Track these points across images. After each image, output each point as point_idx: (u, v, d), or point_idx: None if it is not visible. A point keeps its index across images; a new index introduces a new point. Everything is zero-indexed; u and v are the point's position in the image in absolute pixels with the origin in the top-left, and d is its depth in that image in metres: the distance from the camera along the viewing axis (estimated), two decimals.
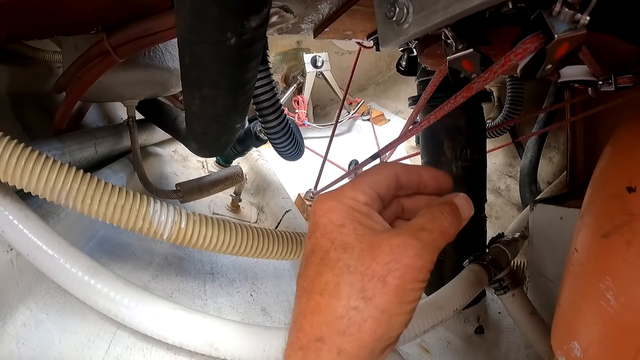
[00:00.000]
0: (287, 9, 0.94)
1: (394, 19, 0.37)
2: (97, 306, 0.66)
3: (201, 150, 1.02)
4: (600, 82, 0.68)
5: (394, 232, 0.34)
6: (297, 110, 2.79)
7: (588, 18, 0.34)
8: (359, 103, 2.98)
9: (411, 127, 0.54)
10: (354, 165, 1.70)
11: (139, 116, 1.39)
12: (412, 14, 0.35)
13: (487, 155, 1.12)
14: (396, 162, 0.42)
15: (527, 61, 0.37)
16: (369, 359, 0.32)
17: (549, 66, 0.38)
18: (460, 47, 0.42)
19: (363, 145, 2.73)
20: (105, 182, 0.70)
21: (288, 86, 3.01)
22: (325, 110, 3.34)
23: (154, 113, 1.45)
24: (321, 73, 2.86)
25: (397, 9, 0.36)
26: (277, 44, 2.93)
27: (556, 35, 0.34)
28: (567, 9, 0.33)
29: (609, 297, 0.40)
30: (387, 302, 0.31)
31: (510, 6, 0.36)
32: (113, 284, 0.66)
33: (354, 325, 0.31)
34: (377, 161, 0.80)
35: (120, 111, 1.66)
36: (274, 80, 1.06)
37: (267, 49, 1.06)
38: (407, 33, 0.36)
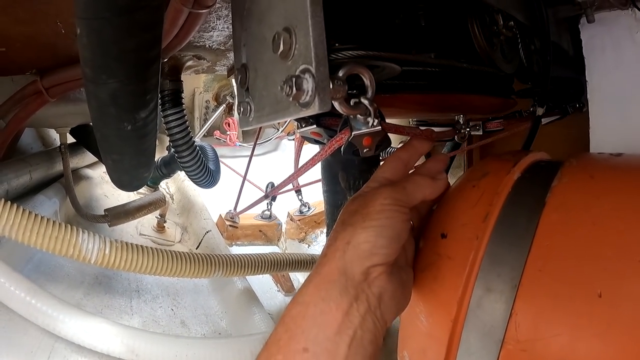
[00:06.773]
0: (200, 57, 1.08)
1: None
2: (38, 322, 0.79)
3: (119, 187, 1.14)
4: (468, 129, 0.77)
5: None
6: (228, 132, 2.88)
7: (377, 122, 0.46)
8: (286, 122, 3.09)
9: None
10: (271, 187, 1.84)
11: (71, 139, 1.47)
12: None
13: None
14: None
15: (345, 146, 0.50)
16: None
17: (366, 150, 0.51)
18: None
19: (286, 164, 2.81)
20: (42, 217, 0.82)
21: (219, 104, 3.08)
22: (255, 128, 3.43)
23: (85, 138, 1.53)
24: None
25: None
26: None
27: (353, 133, 0.48)
28: (360, 116, 0.46)
29: (422, 318, 0.55)
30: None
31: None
32: (50, 302, 0.80)
33: None
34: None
35: (54, 132, 1.71)
36: (187, 121, 1.19)
37: (182, 92, 1.18)
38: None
